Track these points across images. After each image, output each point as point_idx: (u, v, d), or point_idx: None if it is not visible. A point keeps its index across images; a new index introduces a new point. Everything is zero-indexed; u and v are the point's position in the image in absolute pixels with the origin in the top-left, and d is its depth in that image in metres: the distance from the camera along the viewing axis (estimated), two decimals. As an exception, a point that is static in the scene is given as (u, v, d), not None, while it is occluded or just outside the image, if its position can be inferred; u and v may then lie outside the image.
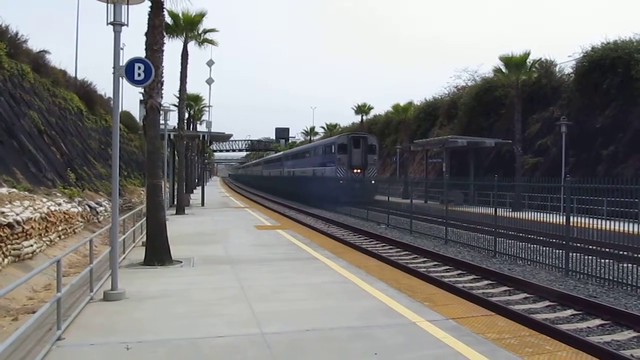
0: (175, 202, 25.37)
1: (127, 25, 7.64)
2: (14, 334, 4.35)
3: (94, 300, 7.25)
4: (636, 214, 11.20)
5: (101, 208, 21.46)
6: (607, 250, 11.59)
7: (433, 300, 7.42)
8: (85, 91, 35.92)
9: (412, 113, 45.66)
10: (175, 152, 27.97)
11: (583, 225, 12.24)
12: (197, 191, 38.21)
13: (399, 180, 38.79)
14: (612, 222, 11.27)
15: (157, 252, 10.22)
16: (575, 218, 12.34)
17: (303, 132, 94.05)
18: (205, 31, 26.46)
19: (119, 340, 5.60)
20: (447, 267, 13.11)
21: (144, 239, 11.52)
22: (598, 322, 8.34)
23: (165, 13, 11.70)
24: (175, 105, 30.14)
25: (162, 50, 10.80)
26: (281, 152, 71.11)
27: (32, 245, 12.47)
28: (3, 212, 11.62)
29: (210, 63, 30.37)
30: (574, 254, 11.96)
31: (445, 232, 17.62)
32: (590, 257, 11.52)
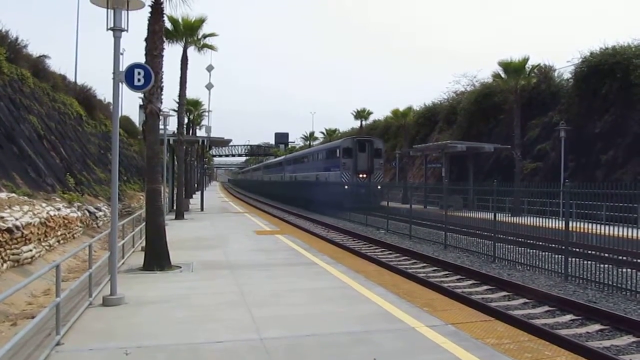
0: (175, 207, 25.37)
1: (127, 30, 7.66)
2: (13, 339, 4.35)
3: (93, 305, 7.24)
4: (635, 219, 11.20)
5: (100, 213, 21.46)
6: (607, 255, 11.59)
7: (432, 306, 7.41)
8: (84, 96, 36.03)
9: (412, 118, 45.74)
10: (175, 157, 27.99)
11: (582, 230, 12.24)
12: (197, 196, 38.20)
13: (398, 185, 38.66)
14: (612, 227, 11.27)
15: (157, 257, 10.21)
16: (574, 223, 12.33)
17: (302, 137, 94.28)
18: (205, 36, 26.52)
19: (118, 345, 5.60)
20: (447, 272, 13.10)
21: (143, 244, 11.52)
22: (597, 327, 8.33)
23: (165, 18, 11.73)
24: (174, 110, 30.26)
25: (162, 56, 10.83)
26: (282, 157, 69.54)
27: (31, 250, 12.47)
28: (2, 217, 11.62)
29: (209, 68, 30.47)
30: (573, 259, 11.96)
31: (444, 237, 17.61)
32: (589, 262, 11.52)
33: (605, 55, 27.00)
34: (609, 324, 8.34)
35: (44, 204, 15.27)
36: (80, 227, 17.92)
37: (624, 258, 11.08)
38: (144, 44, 10.73)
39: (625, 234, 10.88)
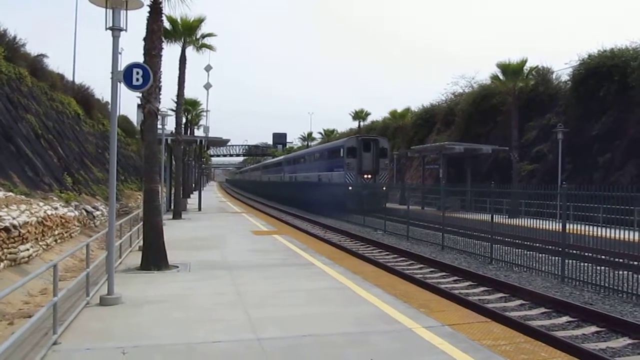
0: (172, 207, 25.34)
1: (125, 30, 7.66)
2: (10, 339, 4.35)
3: (90, 305, 7.24)
4: (632, 221, 11.23)
5: (98, 212, 21.43)
6: (603, 257, 11.62)
7: (429, 307, 7.42)
8: (82, 95, 36.01)
9: (410, 119, 45.79)
10: (173, 157, 27.97)
11: (579, 232, 12.28)
12: (194, 196, 38.22)
13: (396, 186, 38.59)
14: (609, 229, 11.30)
15: (154, 257, 10.20)
16: (571, 225, 12.37)
17: (300, 138, 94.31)
18: (204, 36, 26.51)
19: (115, 345, 5.60)
20: (444, 274, 13.12)
21: (141, 244, 11.51)
22: (594, 329, 8.35)
23: (164, 18, 11.75)
24: (172, 110, 30.14)
25: (161, 56, 10.83)
26: (282, 157, 67.89)
27: (28, 249, 12.44)
28: (0, 216, 11.60)
29: (208, 68, 30.43)
30: (570, 261, 11.99)
31: (441, 239, 17.63)
32: (586, 264, 11.54)
33: (603, 57, 27.08)
34: (605, 326, 8.36)
35: (41, 203, 15.25)
36: (78, 226, 17.89)
37: (621, 260, 11.10)
38: (142, 43, 10.73)
39: (622, 236, 10.92)
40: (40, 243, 13.53)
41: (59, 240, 15.30)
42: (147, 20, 10.79)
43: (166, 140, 23.37)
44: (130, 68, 7.89)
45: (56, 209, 15.94)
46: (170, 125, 26.06)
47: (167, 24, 23.14)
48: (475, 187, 26.03)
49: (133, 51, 13.74)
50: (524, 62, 28.49)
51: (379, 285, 8.82)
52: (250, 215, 26.74)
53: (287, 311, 7.15)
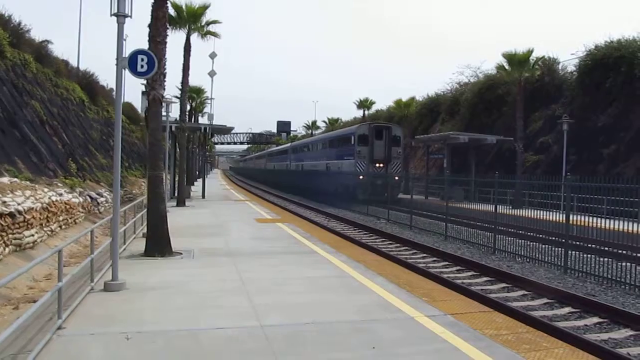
0: (176, 194, 25.43)
1: (130, 17, 7.65)
2: (15, 323, 4.39)
3: (95, 291, 7.29)
4: (636, 213, 11.21)
5: (102, 199, 21.52)
6: (606, 248, 11.62)
7: (432, 296, 7.45)
8: (87, 82, 35.94)
9: (414, 109, 45.57)
10: (177, 144, 28.00)
11: (583, 224, 12.26)
12: (198, 183, 38.26)
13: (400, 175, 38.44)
14: (612, 221, 11.29)
15: (158, 244, 10.26)
16: (575, 216, 12.35)
17: (304, 126, 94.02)
18: (208, 23, 26.38)
19: (119, 330, 5.65)
20: (446, 263, 13.14)
21: (145, 231, 11.56)
22: (596, 320, 8.37)
23: (169, 5, 11.69)
24: (177, 97, 30.17)
25: (165, 43, 10.81)
26: (288, 144, 65.68)
27: (33, 235, 12.53)
28: (5, 202, 11.66)
29: (212, 55, 30.31)
30: (573, 252, 11.99)
31: (445, 228, 17.64)
32: (589, 255, 11.55)
33: (609, 48, 26.87)
34: (607, 317, 8.38)
35: (45, 189, 15.31)
36: (82, 212, 17.98)
37: (624, 252, 11.10)
38: (147, 30, 10.69)
39: (625, 228, 10.91)
40: (45, 229, 13.61)
41: (63, 226, 15.39)
42: (152, 6, 10.75)
43: (170, 127, 23.37)
44: (135, 55, 7.88)
45: (61, 195, 16.01)
46: (175, 112, 26.14)
47: (172, 11, 23.09)
48: (479, 177, 25.97)
49: (137, 37, 13.69)
50: (530, 52, 28.26)
51: (382, 273, 8.85)
52: (254, 203, 26.78)
53: (289, 298, 7.18)
